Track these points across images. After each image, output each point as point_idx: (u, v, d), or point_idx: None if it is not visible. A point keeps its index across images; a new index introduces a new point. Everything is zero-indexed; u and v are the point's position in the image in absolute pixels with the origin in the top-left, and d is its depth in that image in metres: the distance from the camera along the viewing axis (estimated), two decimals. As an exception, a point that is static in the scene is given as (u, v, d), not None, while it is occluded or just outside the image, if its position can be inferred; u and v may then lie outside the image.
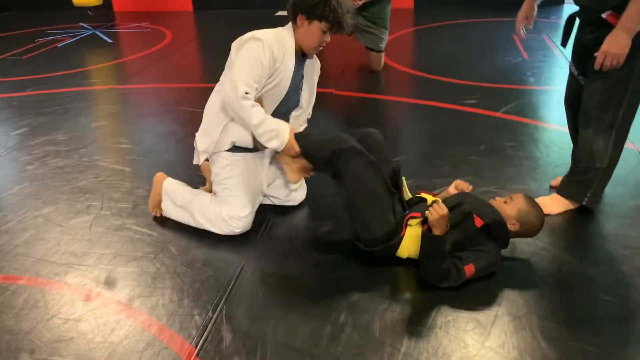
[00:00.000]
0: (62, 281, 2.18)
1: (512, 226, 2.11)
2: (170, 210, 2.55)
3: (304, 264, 2.26)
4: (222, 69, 2.38)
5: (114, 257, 2.33)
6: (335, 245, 2.37)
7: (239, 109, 2.20)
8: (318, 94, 2.64)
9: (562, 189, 2.53)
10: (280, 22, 2.39)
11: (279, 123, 2.27)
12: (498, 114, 3.69)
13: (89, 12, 6.99)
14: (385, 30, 4.57)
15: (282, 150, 2.28)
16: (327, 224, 2.52)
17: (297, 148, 2.25)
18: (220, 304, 2.02)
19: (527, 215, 2.12)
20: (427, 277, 2.05)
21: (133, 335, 1.89)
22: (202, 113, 2.45)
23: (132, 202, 2.75)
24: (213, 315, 1.96)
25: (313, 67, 2.50)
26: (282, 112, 2.42)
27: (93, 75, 5.08)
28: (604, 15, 2.19)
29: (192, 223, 2.50)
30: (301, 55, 2.38)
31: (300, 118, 2.58)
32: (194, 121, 3.54)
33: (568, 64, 4.52)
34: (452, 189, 2.33)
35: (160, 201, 2.58)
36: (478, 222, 2.05)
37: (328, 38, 2.31)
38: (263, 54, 2.20)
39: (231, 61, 2.30)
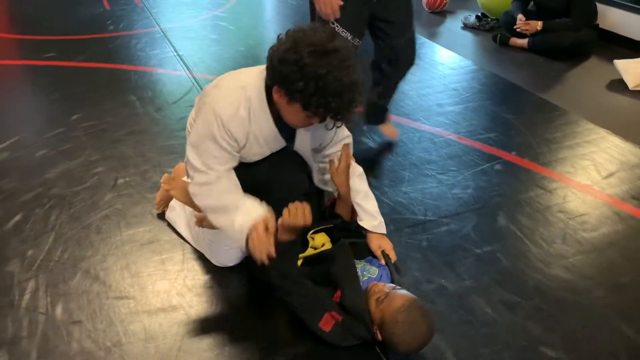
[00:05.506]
0: None
1: (376, 332, 1.58)
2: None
3: None
4: None
5: None
6: None
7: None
8: None
9: None
10: None
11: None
12: (75, 63, 3.92)
13: None
14: None
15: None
16: None
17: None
18: None
19: (396, 329, 1.51)
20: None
21: None
22: None
23: None
24: None
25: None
26: None
27: None
28: None
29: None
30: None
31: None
32: None
33: (148, 13, 4.98)
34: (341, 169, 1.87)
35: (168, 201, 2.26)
36: (337, 295, 1.66)
37: (316, 120, 1.58)
38: (219, 134, 1.62)
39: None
